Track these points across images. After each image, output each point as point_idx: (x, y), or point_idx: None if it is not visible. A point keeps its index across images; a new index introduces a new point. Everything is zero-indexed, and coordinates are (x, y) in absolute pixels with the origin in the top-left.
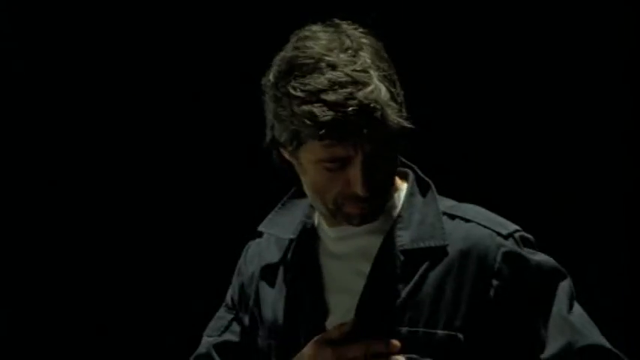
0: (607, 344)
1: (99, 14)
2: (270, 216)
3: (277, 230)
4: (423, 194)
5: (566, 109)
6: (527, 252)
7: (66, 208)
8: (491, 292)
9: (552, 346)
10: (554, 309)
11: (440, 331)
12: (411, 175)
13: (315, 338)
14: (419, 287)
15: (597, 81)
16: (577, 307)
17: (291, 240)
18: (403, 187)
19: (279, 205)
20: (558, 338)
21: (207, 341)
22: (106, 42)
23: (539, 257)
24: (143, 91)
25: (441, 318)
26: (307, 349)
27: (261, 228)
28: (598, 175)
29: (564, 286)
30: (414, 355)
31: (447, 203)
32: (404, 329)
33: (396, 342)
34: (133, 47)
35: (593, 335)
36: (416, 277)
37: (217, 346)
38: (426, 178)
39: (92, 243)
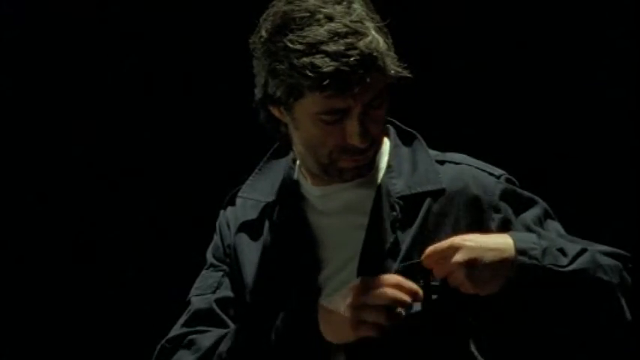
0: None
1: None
2: (248, 181)
3: (257, 195)
4: (408, 144)
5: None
6: (519, 189)
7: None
8: (493, 225)
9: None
10: (556, 230)
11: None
12: (392, 129)
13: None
14: (422, 229)
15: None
16: None
17: (274, 202)
18: (385, 141)
19: (257, 170)
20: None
21: (202, 299)
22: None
23: (530, 194)
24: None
25: None
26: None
27: (241, 194)
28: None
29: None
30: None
31: (432, 152)
32: None
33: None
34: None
35: (602, 245)
36: (418, 220)
37: (217, 302)
38: (410, 130)
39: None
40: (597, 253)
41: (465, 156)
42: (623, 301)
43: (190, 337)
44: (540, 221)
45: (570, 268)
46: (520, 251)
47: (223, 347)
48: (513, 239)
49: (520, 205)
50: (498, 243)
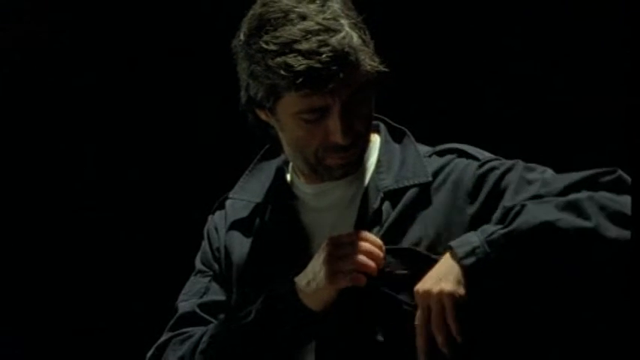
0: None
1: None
2: (239, 183)
3: (248, 195)
4: (398, 141)
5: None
6: (497, 165)
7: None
8: (470, 212)
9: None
10: (543, 179)
11: (424, 252)
12: (382, 126)
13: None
14: (403, 218)
15: None
16: None
17: (265, 202)
18: (376, 138)
19: (247, 172)
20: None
21: (188, 304)
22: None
23: (510, 162)
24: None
25: (424, 240)
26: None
27: (232, 195)
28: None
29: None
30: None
31: (424, 148)
32: (388, 256)
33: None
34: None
35: (579, 173)
36: (399, 209)
37: (202, 306)
38: (400, 126)
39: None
40: (542, 201)
41: (453, 145)
42: (598, 226)
43: (174, 339)
44: (518, 190)
45: (508, 229)
46: (462, 257)
47: (206, 337)
48: (452, 249)
49: (497, 183)
50: (443, 267)
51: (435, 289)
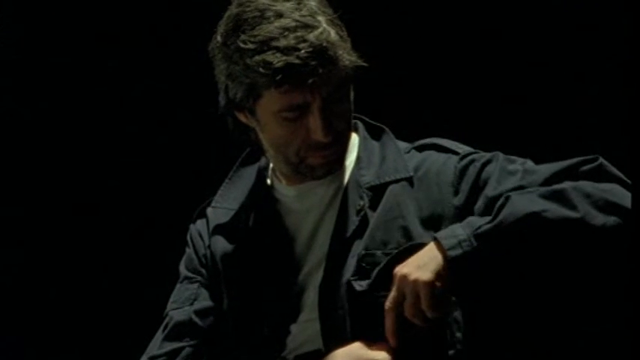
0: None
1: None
2: (220, 191)
3: (229, 203)
4: (377, 138)
5: None
6: (477, 158)
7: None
8: (455, 202)
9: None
10: (524, 168)
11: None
12: (360, 125)
13: None
14: (388, 214)
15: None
16: None
17: (247, 208)
18: (354, 136)
19: (227, 180)
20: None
21: (181, 312)
22: None
23: (489, 155)
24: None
25: (414, 234)
26: None
27: (214, 204)
28: None
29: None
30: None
31: (402, 145)
32: (378, 252)
33: None
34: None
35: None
36: (381, 204)
37: (196, 313)
38: (379, 124)
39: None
40: (526, 191)
41: (431, 140)
42: (586, 215)
43: (184, 351)
44: (500, 180)
45: (494, 222)
46: (448, 249)
47: None
48: (437, 240)
49: (479, 175)
50: (425, 256)
51: (413, 275)
